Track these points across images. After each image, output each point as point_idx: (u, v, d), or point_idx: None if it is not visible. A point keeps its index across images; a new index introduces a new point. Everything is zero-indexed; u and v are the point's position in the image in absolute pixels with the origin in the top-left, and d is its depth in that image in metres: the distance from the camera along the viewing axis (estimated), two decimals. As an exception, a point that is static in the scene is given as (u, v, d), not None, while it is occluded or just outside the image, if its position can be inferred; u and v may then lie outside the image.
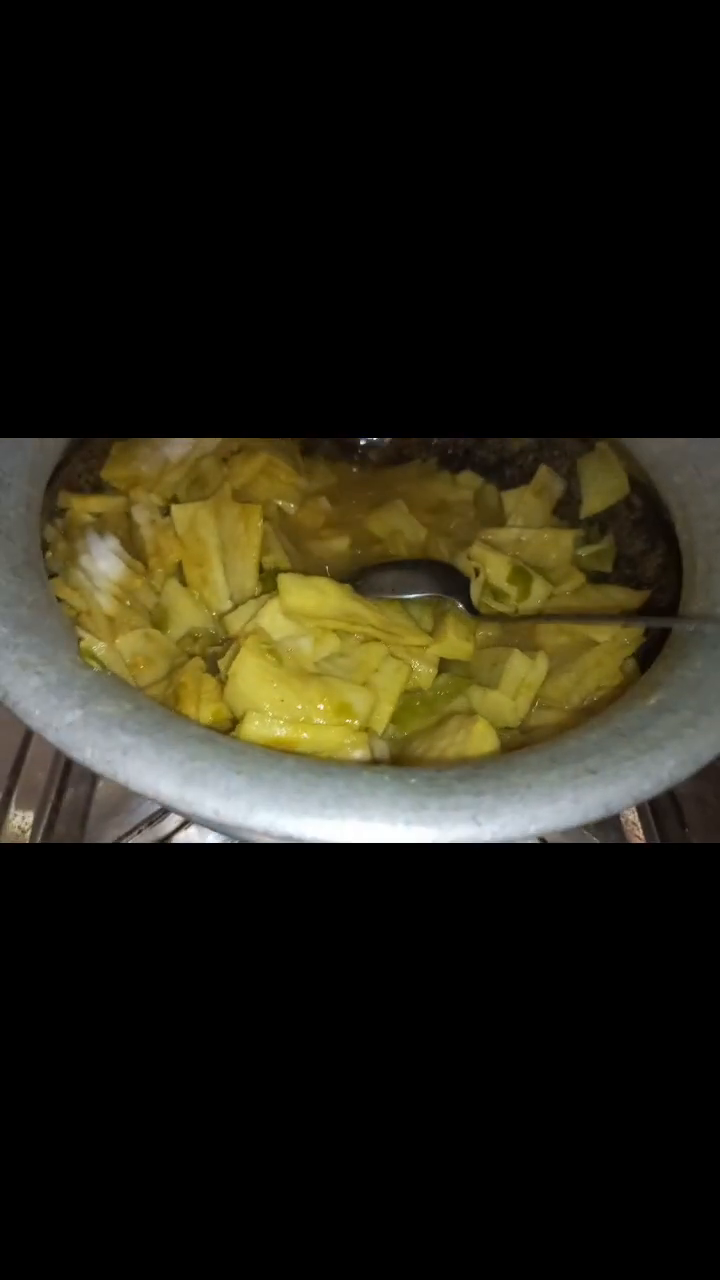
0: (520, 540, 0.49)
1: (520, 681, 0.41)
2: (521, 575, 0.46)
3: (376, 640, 0.38)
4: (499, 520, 0.52)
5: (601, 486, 0.50)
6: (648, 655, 0.42)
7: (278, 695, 0.34)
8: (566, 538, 0.49)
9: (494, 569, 0.46)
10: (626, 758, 0.28)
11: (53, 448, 0.41)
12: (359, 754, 0.34)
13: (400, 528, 0.49)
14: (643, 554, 0.47)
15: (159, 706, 0.31)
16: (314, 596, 0.38)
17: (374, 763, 0.34)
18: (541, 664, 0.41)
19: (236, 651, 0.35)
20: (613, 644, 0.42)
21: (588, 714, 0.40)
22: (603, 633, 0.43)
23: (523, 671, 0.41)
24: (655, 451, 0.44)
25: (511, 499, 0.52)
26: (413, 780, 0.28)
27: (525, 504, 0.51)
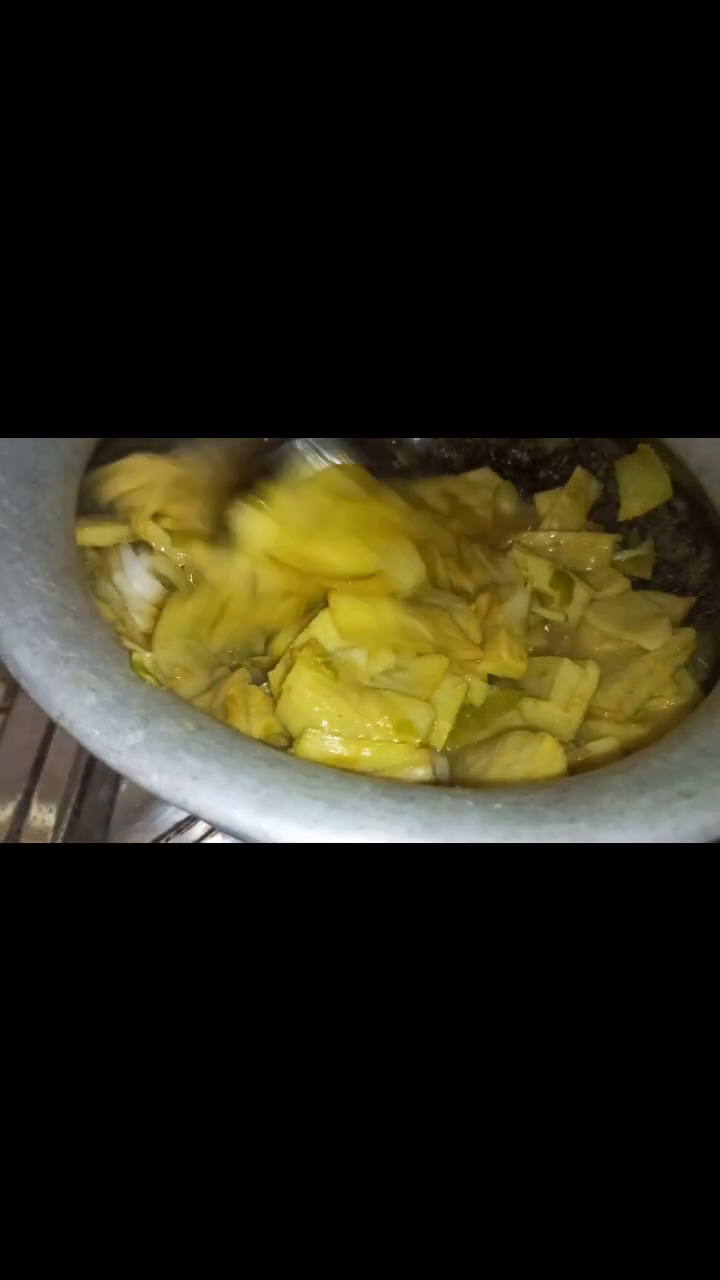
0: (558, 544, 0.48)
1: (572, 691, 0.39)
2: (563, 580, 0.45)
3: (434, 654, 0.36)
4: (516, 523, 0.50)
5: (641, 489, 0.48)
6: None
7: (335, 711, 0.33)
8: (605, 541, 0.48)
9: (535, 573, 0.44)
10: (720, 781, 0.27)
11: (83, 447, 0.39)
12: (421, 773, 0.32)
13: (431, 535, 0.48)
14: (686, 560, 0.46)
15: (220, 725, 0.29)
16: (369, 614, 0.36)
17: (436, 782, 0.33)
18: (593, 673, 0.40)
19: (290, 664, 0.34)
20: (664, 652, 0.41)
21: (641, 724, 0.39)
22: (652, 640, 0.42)
23: (574, 681, 0.39)
24: (705, 453, 0.43)
25: (545, 501, 0.50)
26: (498, 805, 0.26)
27: (560, 506, 0.50)
